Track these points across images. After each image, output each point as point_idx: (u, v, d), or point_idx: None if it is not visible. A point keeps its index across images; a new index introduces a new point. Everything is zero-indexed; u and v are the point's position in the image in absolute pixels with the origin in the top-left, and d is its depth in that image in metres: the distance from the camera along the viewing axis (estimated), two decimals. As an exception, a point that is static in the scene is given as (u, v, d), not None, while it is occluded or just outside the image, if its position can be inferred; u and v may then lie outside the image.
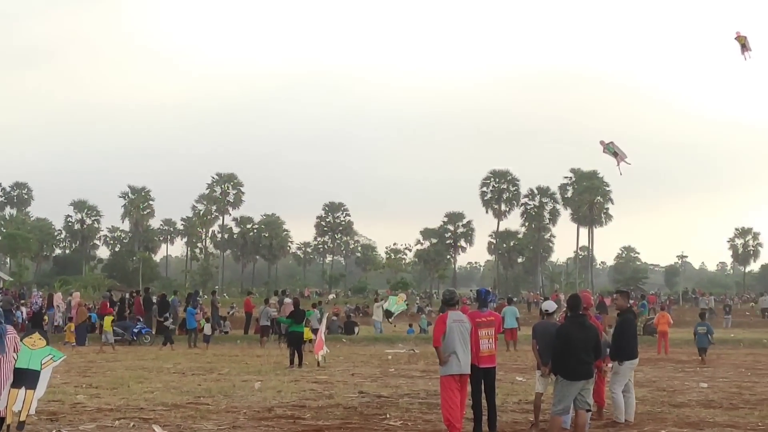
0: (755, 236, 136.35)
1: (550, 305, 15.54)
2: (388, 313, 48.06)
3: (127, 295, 46.91)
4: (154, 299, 43.55)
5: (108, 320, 36.84)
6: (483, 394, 14.42)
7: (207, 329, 38.50)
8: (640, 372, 15.70)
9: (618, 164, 25.45)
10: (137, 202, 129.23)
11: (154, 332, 39.84)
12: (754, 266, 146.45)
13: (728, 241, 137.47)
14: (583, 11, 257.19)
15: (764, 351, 38.73)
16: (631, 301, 21.54)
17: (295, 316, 27.90)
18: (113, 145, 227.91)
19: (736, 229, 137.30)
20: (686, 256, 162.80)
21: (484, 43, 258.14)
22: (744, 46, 24.31)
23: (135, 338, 38.50)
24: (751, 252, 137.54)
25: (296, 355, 26.61)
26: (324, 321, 32.95)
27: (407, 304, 50.23)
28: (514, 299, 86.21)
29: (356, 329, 46.45)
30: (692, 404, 18.29)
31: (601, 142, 25.52)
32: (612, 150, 25.10)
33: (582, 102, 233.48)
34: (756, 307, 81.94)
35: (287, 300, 43.23)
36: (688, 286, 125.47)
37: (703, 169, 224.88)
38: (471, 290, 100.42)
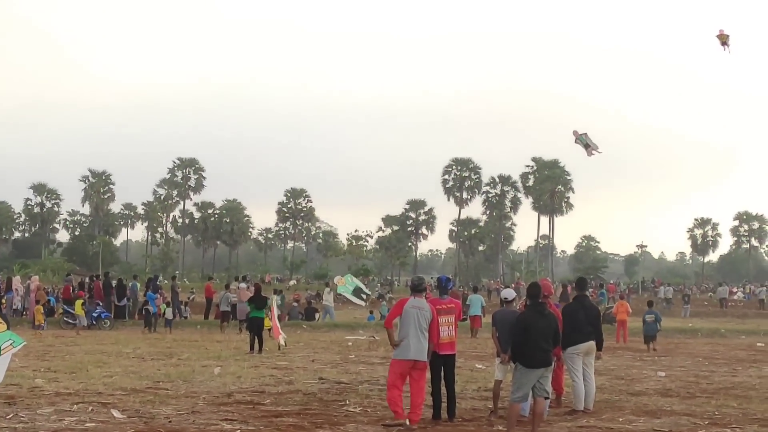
0: (714, 227, 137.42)
1: (509, 293, 15.59)
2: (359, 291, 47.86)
3: (87, 280, 46.73)
4: (114, 284, 43.40)
5: (79, 303, 36.88)
6: (442, 381, 14.48)
7: (168, 314, 38.47)
8: (598, 360, 15.79)
9: (589, 155, 25.56)
10: (98, 185, 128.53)
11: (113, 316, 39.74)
12: (712, 256, 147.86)
13: (687, 232, 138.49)
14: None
15: (722, 341, 39.14)
16: (590, 290, 21.77)
17: (255, 301, 27.82)
18: (74, 129, 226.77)
19: (696, 220, 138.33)
20: (646, 246, 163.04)
21: (448, 29, 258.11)
22: (725, 43, 24.46)
23: (94, 322, 38.33)
24: (710, 242, 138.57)
25: (257, 340, 26.59)
26: (274, 307, 32.81)
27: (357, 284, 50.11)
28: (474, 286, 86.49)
29: (317, 315, 46.53)
30: (650, 393, 18.43)
31: (575, 132, 25.62)
32: (584, 141, 25.21)
33: (544, 90, 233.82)
34: (714, 297, 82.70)
35: (242, 285, 43.15)
36: (647, 275, 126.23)
37: (663, 159, 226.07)
38: (432, 277, 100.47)
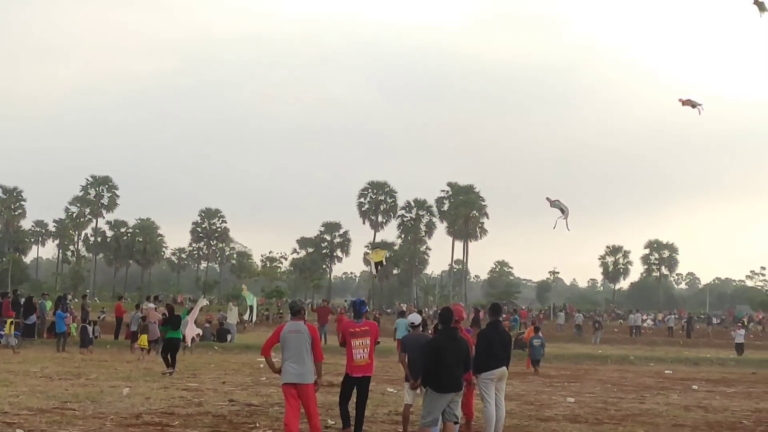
0: (625, 254, 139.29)
1: (416, 318, 15.61)
2: (251, 309, 47.76)
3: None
4: (23, 301, 42.70)
5: (9, 323, 36.50)
6: (354, 404, 14.46)
7: (87, 332, 38.02)
8: (509, 386, 15.88)
9: (564, 218, 25.76)
10: (8, 202, 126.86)
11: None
12: (623, 284, 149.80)
13: (599, 259, 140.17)
14: (456, 22, 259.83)
15: (631, 367, 39.55)
16: (504, 315, 21.95)
17: (171, 322, 27.62)
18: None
19: (607, 247, 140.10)
20: (558, 272, 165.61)
21: (364, 51, 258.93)
22: (693, 105, 24.61)
23: (1, 341, 37.65)
24: (621, 270, 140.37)
25: (171, 360, 26.39)
26: (197, 308, 32.14)
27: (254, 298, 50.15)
28: (388, 311, 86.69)
29: (229, 337, 46.17)
30: (559, 419, 18.57)
31: (547, 199, 25.86)
32: (559, 206, 25.42)
33: (461, 116, 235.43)
34: (624, 324, 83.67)
35: (150, 305, 42.71)
36: (558, 301, 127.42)
37: (575, 187, 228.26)
38: (346, 300, 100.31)
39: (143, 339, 33.91)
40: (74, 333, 39.26)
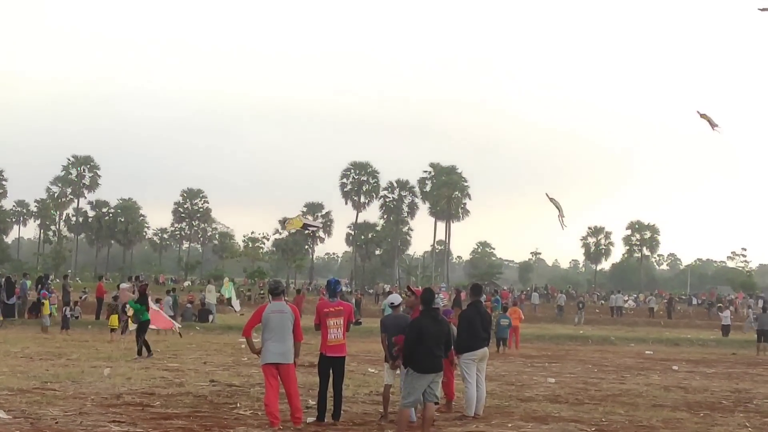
0: (607, 235, 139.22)
1: (395, 298, 15.61)
2: (229, 301, 47.75)
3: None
4: (3, 281, 42.60)
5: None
6: (330, 384, 14.48)
7: (66, 312, 38.00)
8: (490, 366, 15.93)
9: (561, 217, 25.79)
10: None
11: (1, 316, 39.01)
12: (605, 265, 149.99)
13: (581, 240, 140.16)
14: (449, 1, 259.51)
15: (612, 348, 39.78)
16: (485, 296, 21.96)
17: (143, 302, 27.39)
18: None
19: (589, 228, 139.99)
20: (540, 253, 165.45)
21: (348, 32, 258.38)
22: (710, 122, 24.54)
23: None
24: (603, 251, 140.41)
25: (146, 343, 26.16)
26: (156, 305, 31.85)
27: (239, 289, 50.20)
28: (370, 291, 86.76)
29: (210, 317, 46.17)
30: (539, 399, 18.65)
31: (547, 194, 25.90)
32: (556, 204, 25.44)
33: (444, 97, 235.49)
34: (606, 304, 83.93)
35: (123, 285, 42.64)
36: (540, 282, 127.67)
37: (557, 168, 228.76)
38: (320, 281, 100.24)
39: (113, 319, 33.90)
40: (55, 314, 39.20)
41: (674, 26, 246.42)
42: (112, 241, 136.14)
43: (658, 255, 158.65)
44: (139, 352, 25.82)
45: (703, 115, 24.11)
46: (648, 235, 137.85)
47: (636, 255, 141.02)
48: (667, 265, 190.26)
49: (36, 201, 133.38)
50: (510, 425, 14.88)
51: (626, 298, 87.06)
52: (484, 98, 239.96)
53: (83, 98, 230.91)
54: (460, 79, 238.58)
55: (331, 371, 14.43)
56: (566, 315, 68.47)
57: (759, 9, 21.58)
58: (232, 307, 47.97)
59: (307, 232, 52.70)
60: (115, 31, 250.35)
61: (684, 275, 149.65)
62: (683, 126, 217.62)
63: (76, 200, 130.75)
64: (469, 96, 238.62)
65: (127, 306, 30.36)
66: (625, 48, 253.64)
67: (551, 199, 25.34)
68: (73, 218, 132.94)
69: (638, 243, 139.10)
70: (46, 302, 37.23)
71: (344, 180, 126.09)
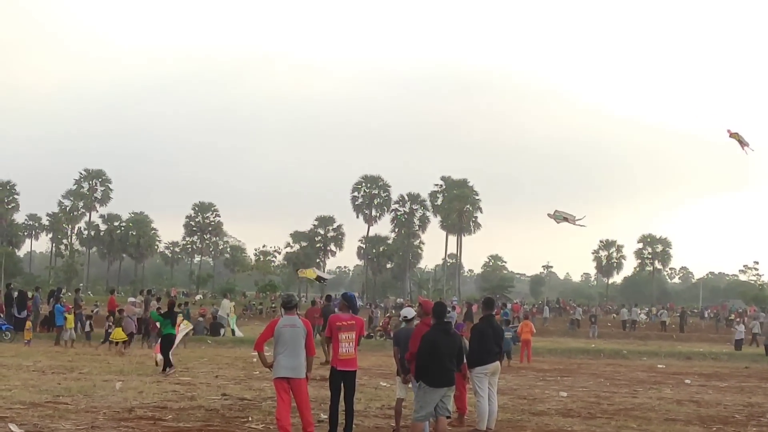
0: (619, 248, 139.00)
1: (408, 312, 15.58)
2: (233, 332, 47.65)
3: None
4: (15, 295, 42.64)
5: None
6: (342, 398, 14.45)
7: (86, 327, 38.20)
8: (502, 380, 15.91)
9: (574, 222, 25.65)
10: (1, 195, 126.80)
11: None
12: (617, 278, 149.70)
13: (593, 253, 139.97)
14: (460, 14, 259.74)
15: (624, 362, 39.62)
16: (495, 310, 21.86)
17: (170, 317, 26.69)
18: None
19: (601, 241, 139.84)
20: (551, 267, 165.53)
21: (360, 45, 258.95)
22: (740, 141, 24.40)
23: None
24: (615, 264, 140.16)
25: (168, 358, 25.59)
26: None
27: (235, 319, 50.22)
28: (381, 305, 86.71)
29: (222, 331, 46.16)
30: (551, 413, 18.59)
31: (549, 215, 25.78)
32: (561, 217, 25.30)
33: (455, 109, 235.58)
34: (617, 318, 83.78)
35: (131, 299, 42.68)
36: (552, 295, 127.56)
37: (569, 181, 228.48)
38: (337, 295, 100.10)
39: (117, 332, 33.87)
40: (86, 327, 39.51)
41: (686, 38, 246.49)
42: (124, 255, 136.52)
43: (670, 268, 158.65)
44: (165, 368, 25.34)
45: (733, 135, 24.02)
46: (660, 248, 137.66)
47: (648, 268, 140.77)
48: (679, 278, 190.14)
49: (48, 215, 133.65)
50: (522, 439, 14.86)
51: (638, 312, 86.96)
52: (495, 111, 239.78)
53: (95, 112, 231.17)
54: (471, 91, 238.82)
55: (342, 385, 14.40)
56: (581, 329, 68.29)
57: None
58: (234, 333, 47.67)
59: (319, 282, 52.94)
60: (128, 43, 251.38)
61: (696, 289, 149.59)
62: (695, 138, 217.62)
63: (88, 214, 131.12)
64: (481, 109, 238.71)
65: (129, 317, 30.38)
66: (632, 59, 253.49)
67: (554, 216, 25.15)
68: (85, 232, 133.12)
69: (650, 256, 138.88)
70: (70, 316, 37.17)
71: (356, 193, 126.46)
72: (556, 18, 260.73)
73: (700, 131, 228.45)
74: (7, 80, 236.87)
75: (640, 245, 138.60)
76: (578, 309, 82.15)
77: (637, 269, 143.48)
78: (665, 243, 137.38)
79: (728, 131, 24.92)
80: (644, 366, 36.85)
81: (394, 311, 62.35)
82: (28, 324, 37.33)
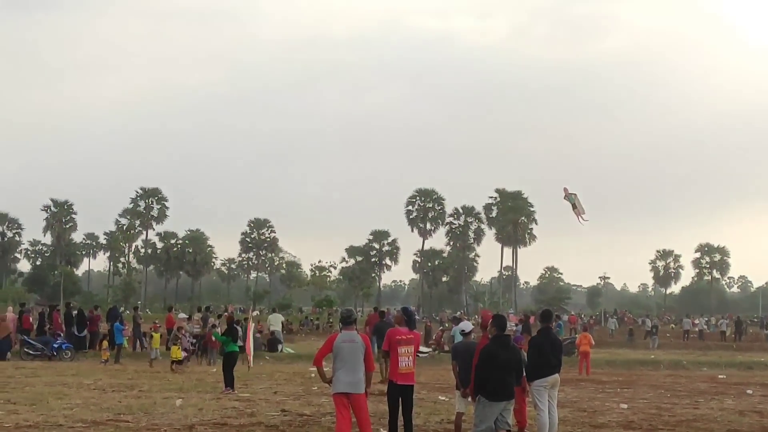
0: (676, 258, 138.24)
1: (466, 325, 15.58)
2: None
3: (47, 310, 46.29)
4: (75, 314, 43.01)
5: (157, 337, 36.96)
6: (400, 412, 14.43)
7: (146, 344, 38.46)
8: (561, 392, 15.81)
9: (578, 216, 25.27)
10: (59, 215, 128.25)
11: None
12: (674, 288, 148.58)
13: (650, 263, 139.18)
14: (504, 25, 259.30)
15: (684, 372, 39.26)
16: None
17: (231, 334, 26.44)
18: (35, 158, 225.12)
19: (658, 252, 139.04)
20: (608, 277, 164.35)
21: (411, 60, 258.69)
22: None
23: (55, 353, 37.92)
24: (672, 274, 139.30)
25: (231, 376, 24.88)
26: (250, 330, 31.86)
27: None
28: (437, 318, 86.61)
29: (279, 347, 46.26)
30: (612, 425, 18.44)
31: (565, 189, 25.39)
32: (572, 201, 24.93)
33: (509, 121, 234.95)
34: (677, 328, 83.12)
35: (181, 315, 42.93)
36: (609, 307, 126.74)
37: (624, 191, 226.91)
38: (391, 309, 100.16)
39: (175, 350, 33.91)
40: (126, 345, 39.60)
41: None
42: (181, 272, 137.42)
43: (729, 277, 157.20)
44: (229, 385, 24.87)
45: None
46: (718, 257, 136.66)
47: (706, 278, 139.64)
48: (738, 287, 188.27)
49: (105, 233, 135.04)
50: (583, 452, 14.76)
51: (697, 321, 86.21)
52: (548, 123, 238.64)
53: (151, 132, 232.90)
54: (525, 103, 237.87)
55: (400, 400, 14.38)
56: (641, 339, 67.78)
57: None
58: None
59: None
60: (182, 62, 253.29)
61: (755, 297, 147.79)
62: (752, 145, 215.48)
63: (144, 232, 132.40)
64: (534, 120, 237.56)
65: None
66: (675, 76, 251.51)
67: (569, 194, 24.51)
68: (142, 250, 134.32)
69: (708, 266, 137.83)
70: (156, 335, 37.24)
71: (410, 207, 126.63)
72: (612, 33, 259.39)
73: (756, 137, 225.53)
74: (62, 101, 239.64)
75: (698, 255, 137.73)
76: (647, 320, 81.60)
77: (695, 279, 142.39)
78: (723, 252, 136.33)
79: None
80: (705, 376, 36.47)
81: (447, 324, 62.06)
82: (105, 344, 37.57)
